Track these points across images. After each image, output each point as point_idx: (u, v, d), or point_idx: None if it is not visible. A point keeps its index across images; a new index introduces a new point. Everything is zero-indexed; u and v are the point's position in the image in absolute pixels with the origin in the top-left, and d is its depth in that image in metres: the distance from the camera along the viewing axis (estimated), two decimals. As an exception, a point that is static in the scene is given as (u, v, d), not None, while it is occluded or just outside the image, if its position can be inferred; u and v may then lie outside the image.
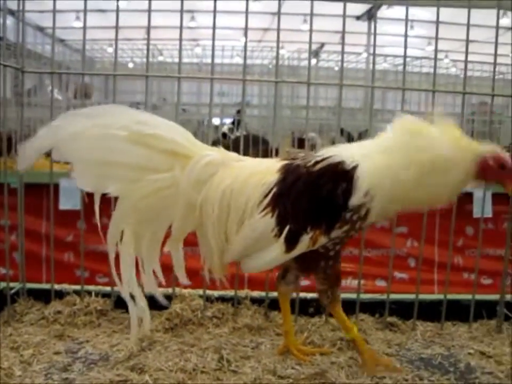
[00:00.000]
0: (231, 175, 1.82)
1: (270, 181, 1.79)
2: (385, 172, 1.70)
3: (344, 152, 1.78)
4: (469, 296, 2.40)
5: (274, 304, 2.40)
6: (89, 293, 2.40)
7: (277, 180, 1.79)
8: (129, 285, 1.79)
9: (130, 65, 7.44)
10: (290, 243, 1.77)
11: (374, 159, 1.72)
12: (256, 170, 1.84)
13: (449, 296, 2.39)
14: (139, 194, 1.76)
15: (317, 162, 1.77)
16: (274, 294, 2.37)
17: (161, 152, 1.77)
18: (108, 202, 2.28)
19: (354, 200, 1.70)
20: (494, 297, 2.42)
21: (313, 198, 1.75)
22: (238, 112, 7.32)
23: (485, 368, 1.99)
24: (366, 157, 1.73)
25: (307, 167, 1.78)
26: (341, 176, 1.72)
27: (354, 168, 1.71)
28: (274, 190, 1.77)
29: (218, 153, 1.87)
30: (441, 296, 2.39)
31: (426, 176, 1.69)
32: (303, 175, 1.77)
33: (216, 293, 2.37)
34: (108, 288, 2.41)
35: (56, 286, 2.42)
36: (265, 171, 1.83)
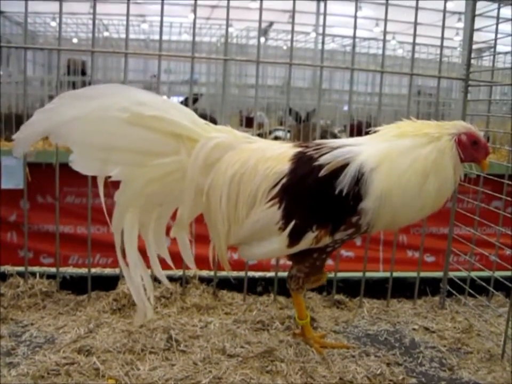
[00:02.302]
0: (239, 159, 1.76)
1: (281, 170, 1.73)
2: (396, 180, 1.67)
3: (358, 151, 1.72)
4: (414, 274, 2.47)
5: (222, 283, 2.41)
6: (33, 274, 2.34)
7: (287, 170, 1.73)
8: (135, 270, 1.76)
9: (75, 40, 7.21)
10: (294, 238, 1.74)
11: (387, 166, 1.68)
12: (267, 156, 1.77)
13: (395, 274, 2.45)
14: (144, 179, 1.71)
15: (332, 161, 1.71)
16: (223, 273, 2.38)
17: (165, 135, 1.72)
18: (51, 179, 2.24)
19: (363, 205, 1.67)
20: (438, 274, 2.49)
21: (323, 198, 1.70)
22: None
23: (429, 343, 2.06)
24: (380, 159, 1.69)
25: (320, 162, 1.71)
26: (354, 179, 1.67)
27: (369, 172, 1.67)
28: (284, 181, 1.72)
29: (226, 134, 1.81)
30: (387, 274, 2.45)
31: (425, 182, 1.68)
32: (314, 169, 1.70)
33: (164, 273, 2.36)
34: (53, 269, 2.36)
35: (-2, 268, 2.36)
36: (276, 158, 1.76)
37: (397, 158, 1.69)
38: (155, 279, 2.29)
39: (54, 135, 1.66)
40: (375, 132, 1.81)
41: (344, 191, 1.67)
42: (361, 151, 1.72)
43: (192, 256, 1.90)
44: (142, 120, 1.68)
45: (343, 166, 1.69)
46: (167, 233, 1.86)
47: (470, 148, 1.74)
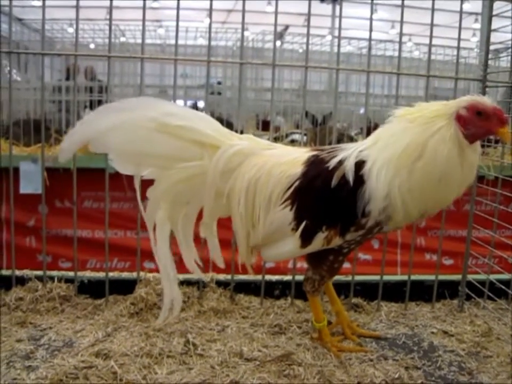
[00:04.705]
0: (257, 164, 1.85)
1: (294, 174, 1.80)
2: (401, 178, 1.66)
3: (368, 153, 1.73)
4: (432, 277, 2.45)
5: (239, 287, 2.41)
6: (51, 278, 2.36)
7: (300, 173, 1.79)
8: (165, 263, 1.86)
9: (92, 45, 7.26)
10: (306, 239, 1.78)
11: (393, 163, 1.67)
12: (282, 161, 1.85)
13: (413, 277, 2.43)
14: (171, 180, 1.84)
15: (340, 162, 1.74)
16: (240, 276, 2.38)
17: (190, 142, 1.83)
18: (69, 184, 2.26)
19: (371, 207, 1.68)
20: (456, 277, 2.47)
21: (331, 198, 1.74)
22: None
23: (447, 347, 2.04)
24: (388, 159, 1.68)
25: (330, 164, 1.75)
26: (361, 181, 1.69)
27: (375, 173, 1.68)
28: (296, 183, 1.78)
29: (248, 141, 1.90)
30: (405, 277, 2.43)
31: (417, 166, 1.64)
32: (324, 172, 1.75)
33: (181, 276, 2.36)
34: (71, 273, 2.38)
35: (18, 272, 2.37)
36: (291, 162, 1.83)
37: (394, 155, 1.68)
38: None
39: (92, 144, 1.80)
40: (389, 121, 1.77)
41: (350, 192, 1.69)
42: (365, 150, 1.74)
43: (221, 256, 1.97)
44: (169, 129, 1.80)
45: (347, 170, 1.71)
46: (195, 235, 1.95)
47: (475, 120, 1.65)
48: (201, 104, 7.66)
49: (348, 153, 1.77)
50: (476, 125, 1.66)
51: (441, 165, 1.63)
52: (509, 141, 1.74)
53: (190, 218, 1.92)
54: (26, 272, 2.39)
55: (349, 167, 1.71)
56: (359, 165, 1.71)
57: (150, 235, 1.85)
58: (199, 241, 1.96)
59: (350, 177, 1.69)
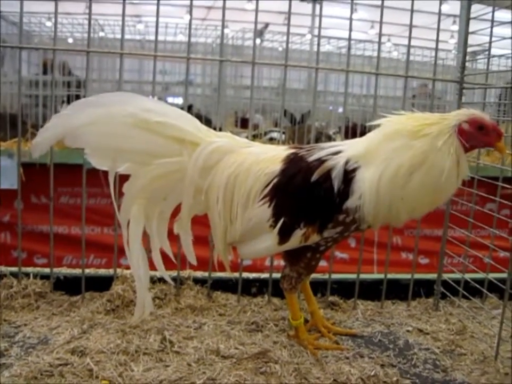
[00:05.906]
0: (236, 161, 1.85)
1: (273, 171, 1.81)
2: (380, 178, 1.68)
3: (350, 150, 1.75)
4: (408, 276, 2.47)
5: (216, 284, 2.41)
6: (27, 274, 2.34)
7: (279, 170, 1.80)
8: (137, 260, 1.84)
9: (70, 40, 7.19)
10: (284, 236, 1.79)
11: (375, 163, 1.69)
12: (261, 158, 1.85)
13: (389, 276, 2.45)
14: (148, 176, 1.83)
15: (320, 160, 1.76)
16: (217, 274, 2.38)
17: (169, 139, 1.83)
18: (45, 180, 2.24)
19: (348, 203, 1.70)
20: (432, 276, 2.50)
21: (309, 195, 1.75)
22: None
23: (422, 345, 2.06)
24: (370, 158, 1.70)
25: (309, 161, 1.77)
26: (338, 178, 1.71)
27: (355, 170, 1.70)
28: (275, 180, 1.79)
29: (227, 139, 1.90)
30: (381, 276, 2.45)
31: (415, 177, 1.66)
32: (303, 169, 1.77)
33: (158, 273, 2.35)
34: (47, 270, 2.36)
35: (-8, 268, 2.34)
36: (269, 159, 1.84)
37: (386, 157, 1.69)
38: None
39: (68, 138, 1.78)
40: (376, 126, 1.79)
41: (329, 189, 1.71)
42: (350, 150, 1.76)
43: (193, 252, 1.95)
44: (148, 125, 1.79)
45: (331, 167, 1.73)
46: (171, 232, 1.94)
47: (477, 135, 1.69)
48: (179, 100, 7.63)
49: (330, 151, 1.78)
50: (477, 139, 1.70)
51: (440, 178, 1.66)
52: (505, 153, 1.80)
53: (166, 215, 1.91)
54: (1, 268, 2.36)
55: (338, 171, 1.72)
56: (349, 169, 1.72)
57: (123, 231, 1.84)
58: (172, 238, 1.95)
59: (337, 179, 1.71)
